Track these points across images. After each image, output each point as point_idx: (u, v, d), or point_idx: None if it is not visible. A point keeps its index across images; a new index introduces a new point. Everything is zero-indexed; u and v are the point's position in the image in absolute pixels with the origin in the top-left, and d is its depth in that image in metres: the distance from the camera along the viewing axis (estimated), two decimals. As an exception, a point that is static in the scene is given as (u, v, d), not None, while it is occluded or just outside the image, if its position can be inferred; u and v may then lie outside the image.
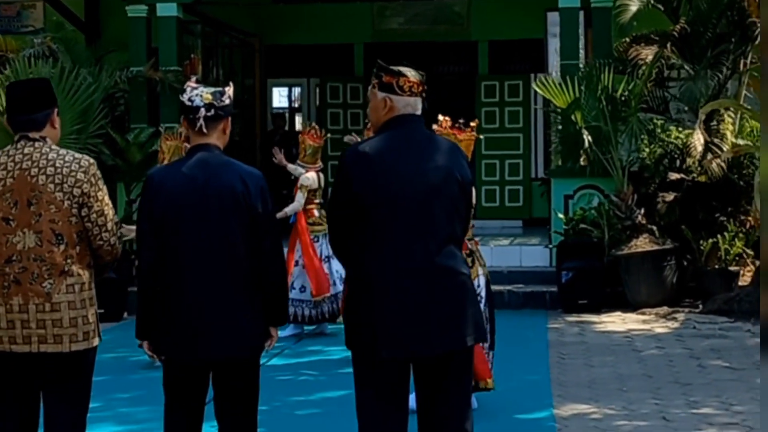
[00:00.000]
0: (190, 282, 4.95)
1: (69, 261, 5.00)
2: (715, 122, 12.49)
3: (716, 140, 12.23)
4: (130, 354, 9.72)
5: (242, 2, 17.32)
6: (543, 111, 16.13)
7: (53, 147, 5.10)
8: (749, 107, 12.53)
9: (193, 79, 5.68)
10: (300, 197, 10.66)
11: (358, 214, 4.66)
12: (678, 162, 12.60)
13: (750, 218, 12.28)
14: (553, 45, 14.89)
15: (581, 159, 12.97)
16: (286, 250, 9.97)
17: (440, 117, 7.73)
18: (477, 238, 7.87)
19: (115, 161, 13.45)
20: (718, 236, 12.00)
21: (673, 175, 12.52)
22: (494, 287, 8.17)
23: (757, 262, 12.18)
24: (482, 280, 7.40)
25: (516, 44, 18.14)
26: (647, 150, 12.90)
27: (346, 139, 11.02)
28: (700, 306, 11.86)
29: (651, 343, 10.21)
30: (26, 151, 5.04)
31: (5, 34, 15.76)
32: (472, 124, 9.77)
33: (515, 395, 7.77)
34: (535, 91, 17.56)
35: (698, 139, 11.76)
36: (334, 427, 7.26)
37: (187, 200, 4.96)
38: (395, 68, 4.91)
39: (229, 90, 5.22)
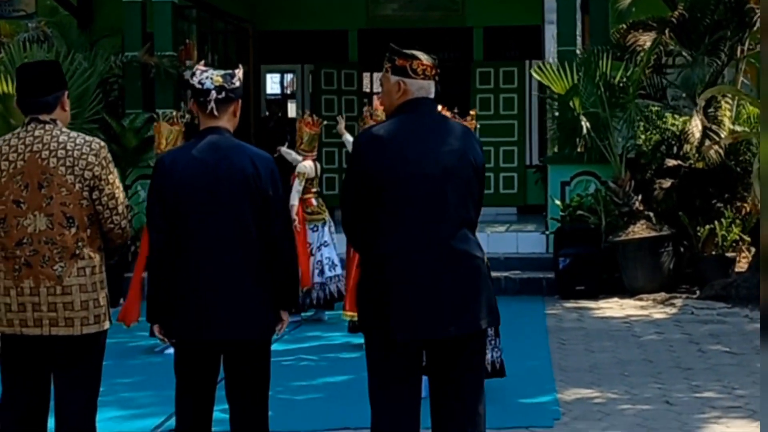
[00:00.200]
0: (201, 264, 4.94)
1: (80, 244, 4.99)
2: (712, 109, 12.50)
3: (714, 126, 12.24)
4: (129, 339, 9.73)
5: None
6: (539, 97, 16.13)
7: (64, 129, 5.09)
8: (747, 93, 12.55)
9: (202, 62, 5.64)
10: (297, 185, 10.65)
11: (371, 198, 4.65)
12: (675, 148, 12.61)
13: (746, 204, 12.31)
14: (550, 31, 14.89)
15: (578, 146, 12.97)
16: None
17: (439, 107, 7.70)
18: None
19: (110, 147, 13.37)
20: (715, 222, 12.03)
21: (670, 162, 12.54)
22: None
23: (753, 249, 12.22)
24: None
25: (511, 30, 18.15)
26: (643, 137, 12.91)
27: (337, 128, 11.08)
28: (698, 292, 11.89)
29: (650, 328, 10.23)
30: (37, 133, 5.02)
31: (-3, 18, 15.72)
32: (471, 113, 9.80)
33: (518, 380, 7.77)
34: (530, 78, 17.62)
35: (696, 126, 11.78)
36: (339, 412, 7.25)
37: (198, 183, 4.95)
38: (408, 51, 4.87)
39: (239, 72, 5.21)
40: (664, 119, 12.93)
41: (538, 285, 12.73)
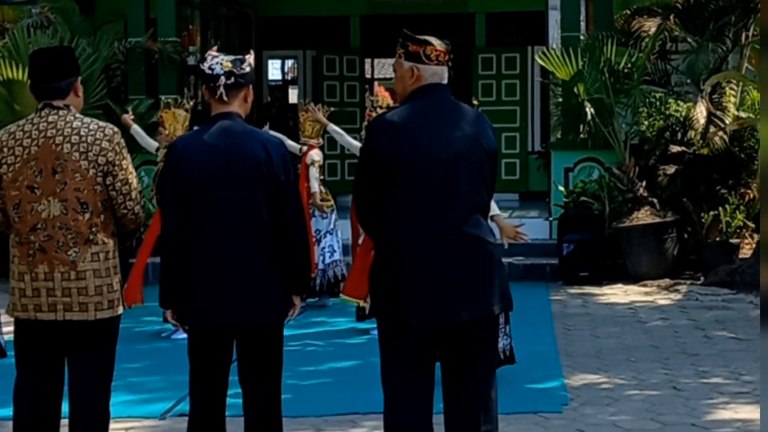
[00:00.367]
0: (213, 250, 4.94)
1: (94, 229, 5.00)
2: (716, 95, 12.50)
3: (718, 113, 12.24)
4: (135, 324, 9.75)
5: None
6: (541, 83, 16.12)
7: (77, 115, 5.10)
8: (753, 80, 12.55)
9: (214, 48, 5.64)
10: (315, 172, 10.68)
11: (384, 183, 4.65)
12: (679, 135, 12.62)
13: (751, 191, 12.33)
14: (554, 17, 14.85)
15: (582, 132, 12.98)
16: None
17: None
18: None
19: (114, 133, 13.38)
20: (719, 209, 12.04)
21: (674, 148, 12.54)
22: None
23: (757, 236, 12.23)
24: None
25: (513, 16, 18.12)
26: (646, 122, 12.91)
27: (316, 117, 10.76)
28: (702, 278, 11.91)
29: (655, 314, 10.26)
30: (50, 119, 5.03)
31: (0, 4, 15.67)
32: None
33: (525, 366, 7.78)
34: (533, 64, 17.61)
35: (701, 112, 11.78)
36: (347, 397, 7.27)
37: (210, 169, 4.95)
38: (421, 37, 4.88)
39: (250, 58, 5.21)
40: (667, 105, 12.93)
41: (541, 271, 12.75)
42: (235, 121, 5.07)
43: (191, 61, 15.14)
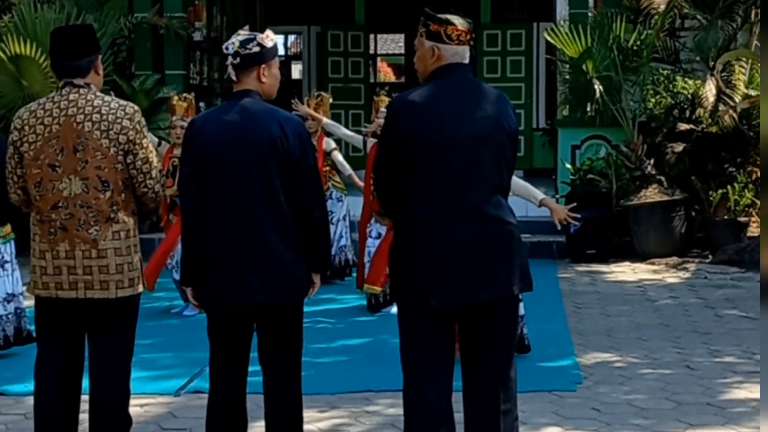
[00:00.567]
0: (231, 228, 4.93)
1: (115, 208, 5.01)
2: (725, 72, 12.47)
3: (728, 90, 12.21)
4: (145, 300, 9.68)
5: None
6: (546, 60, 16.08)
7: (98, 93, 5.10)
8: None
9: (246, 27, 5.59)
10: (341, 158, 10.61)
11: (404, 162, 4.64)
12: (687, 112, 12.60)
13: (759, 169, 12.31)
14: (561, -6, 14.82)
15: (590, 109, 12.95)
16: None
17: None
18: None
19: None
20: (728, 187, 12.03)
21: (683, 126, 12.53)
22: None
23: (766, 214, 12.21)
24: None
25: (519, -7, 18.10)
26: (653, 100, 12.88)
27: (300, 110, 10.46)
28: (709, 256, 11.92)
29: (664, 292, 10.27)
30: (71, 97, 5.02)
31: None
32: None
33: (536, 344, 7.77)
34: (539, 41, 17.57)
35: (710, 90, 11.76)
36: (361, 375, 7.28)
37: (225, 146, 4.93)
38: (443, 16, 4.84)
39: (263, 37, 5.09)
40: (674, 83, 12.90)
41: (548, 248, 12.75)
42: (254, 99, 5.04)
43: (197, 36, 15.10)
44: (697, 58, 12.77)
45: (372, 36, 20.07)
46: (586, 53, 12.48)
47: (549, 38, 13.01)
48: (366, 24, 19.05)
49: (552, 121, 15.95)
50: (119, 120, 4.99)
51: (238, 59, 5.01)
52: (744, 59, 12.49)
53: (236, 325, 5.06)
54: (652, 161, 12.35)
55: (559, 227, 7.54)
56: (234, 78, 5.04)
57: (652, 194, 12.12)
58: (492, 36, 18.22)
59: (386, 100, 9.62)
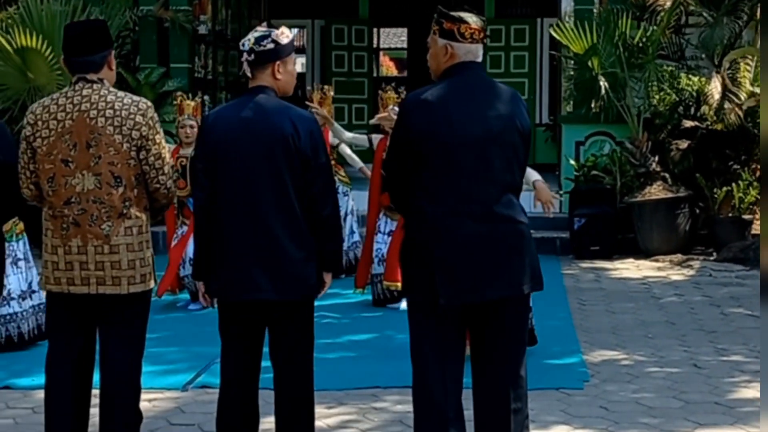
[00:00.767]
0: (243, 223, 4.93)
1: (127, 203, 5.01)
2: (731, 70, 12.46)
3: (733, 88, 12.20)
4: (150, 295, 9.73)
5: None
6: (550, 56, 16.07)
7: (111, 89, 5.09)
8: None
9: (264, 24, 5.58)
10: (348, 150, 10.57)
11: (416, 160, 4.64)
12: (692, 109, 12.59)
13: (764, 167, 12.31)
14: (567, -11, 14.82)
15: (594, 106, 12.94)
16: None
17: None
18: None
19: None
20: (732, 184, 12.02)
21: (687, 123, 12.52)
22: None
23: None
24: None
25: (523, -12, 18.08)
26: (657, 97, 12.88)
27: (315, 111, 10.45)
28: (714, 254, 11.92)
29: (669, 290, 10.26)
30: (84, 93, 5.02)
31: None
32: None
33: (542, 341, 7.76)
34: (542, 36, 17.57)
35: (716, 87, 11.75)
36: (368, 371, 7.28)
37: (236, 142, 4.94)
38: (456, 14, 4.85)
39: (276, 33, 5.08)
40: (679, 80, 12.89)
41: (552, 244, 12.73)
42: (269, 96, 5.04)
43: (202, 29, 15.08)
44: (703, 56, 12.77)
45: (375, 30, 20.05)
46: (592, 50, 12.46)
47: (555, 34, 12.99)
48: (370, 18, 19.04)
49: (555, 116, 15.93)
50: (132, 116, 4.99)
51: (252, 56, 5.02)
52: (750, 57, 12.47)
53: (246, 322, 5.05)
54: (656, 158, 12.34)
55: (544, 211, 7.48)
56: (249, 74, 5.04)
57: (656, 191, 12.11)
58: (496, 31, 18.19)
59: (393, 96, 9.61)
